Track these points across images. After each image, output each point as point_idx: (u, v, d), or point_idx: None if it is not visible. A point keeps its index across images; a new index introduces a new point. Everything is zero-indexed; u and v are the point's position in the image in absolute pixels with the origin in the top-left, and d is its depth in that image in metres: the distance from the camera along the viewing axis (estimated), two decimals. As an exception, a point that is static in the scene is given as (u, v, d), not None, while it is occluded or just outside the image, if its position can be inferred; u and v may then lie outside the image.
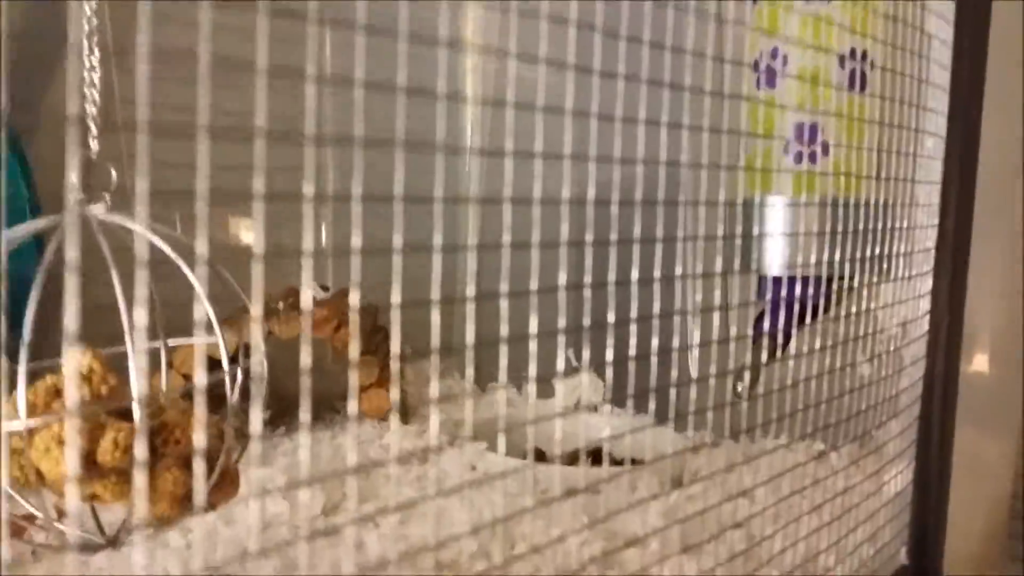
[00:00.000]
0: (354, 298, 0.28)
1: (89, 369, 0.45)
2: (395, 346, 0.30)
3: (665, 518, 0.54)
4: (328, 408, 1.13)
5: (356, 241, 0.27)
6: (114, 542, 0.48)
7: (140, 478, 0.21)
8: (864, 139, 0.62)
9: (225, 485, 0.47)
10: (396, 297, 0.30)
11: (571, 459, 0.81)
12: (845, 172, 0.61)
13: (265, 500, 0.82)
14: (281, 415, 0.99)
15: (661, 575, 0.50)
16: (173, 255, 0.44)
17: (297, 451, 0.97)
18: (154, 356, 0.60)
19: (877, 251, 0.64)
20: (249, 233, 1.29)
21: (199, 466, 0.25)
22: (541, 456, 0.88)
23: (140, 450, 0.23)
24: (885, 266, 0.65)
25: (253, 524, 0.64)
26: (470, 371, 0.34)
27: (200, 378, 0.25)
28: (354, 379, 0.28)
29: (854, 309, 0.63)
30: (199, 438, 0.24)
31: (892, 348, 0.68)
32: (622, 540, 0.52)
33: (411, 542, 0.68)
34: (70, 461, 0.23)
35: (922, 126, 0.67)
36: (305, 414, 0.27)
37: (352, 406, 0.28)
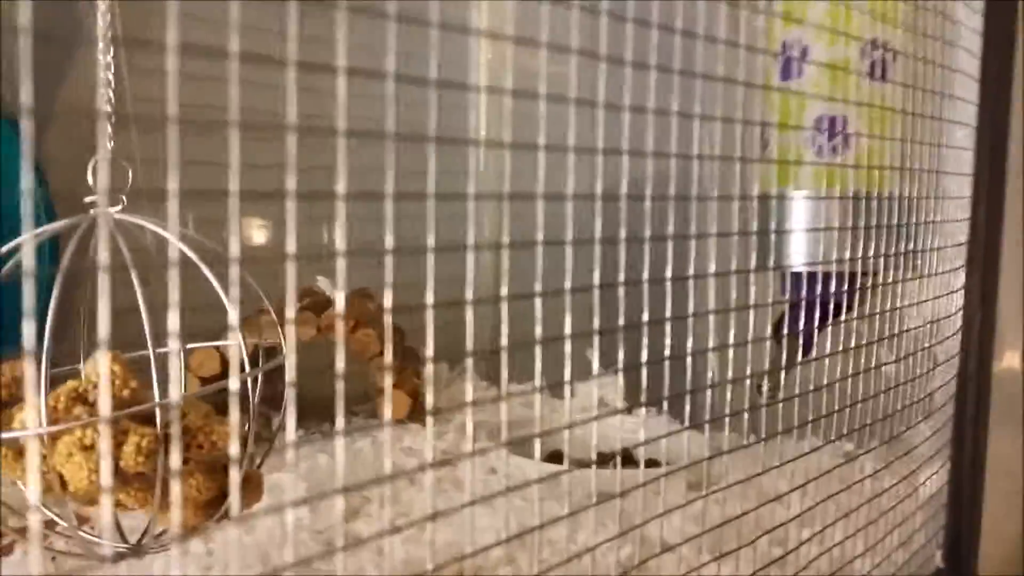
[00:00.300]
0: (387, 300, 0.28)
1: (111, 373, 0.45)
2: (429, 349, 0.30)
3: (692, 522, 0.53)
4: (345, 411, 1.13)
5: (389, 240, 0.27)
6: (138, 550, 0.48)
7: (175, 488, 0.21)
8: (890, 130, 0.61)
9: (248, 491, 0.47)
10: (429, 297, 0.29)
11: (593, 462, 0.81)
12: (871, 165, 0.61)
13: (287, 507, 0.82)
14: (300, 418, 0.99)
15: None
16: (193, 256, 0.44)
17: (317, 455, 0.97)
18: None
19: (905, 246, 0.63)
20: (260, 233, 1.29)
21: (233, 473, 0.24)
22: (559, 458, 0.88)
23: (175, 458, 0.22)
24: (916, 262, 0.65)
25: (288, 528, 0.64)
26: (505, 373, 0.34)
27: (232, 383, 0.24)
28: (388, 383, 0.27)
29: (883, 306, 0.62)
30: (233, 446, 0.24)
31: (924, 346, 0.67)
32: (648, 545, 0.52)
33: (435, 547, 0.68)
34: (103, 470, 0.22)
35: (951, 116, 0.67)
36: (340, 420, 0.27)
37: (387, 411, 0.28)
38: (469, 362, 0.33)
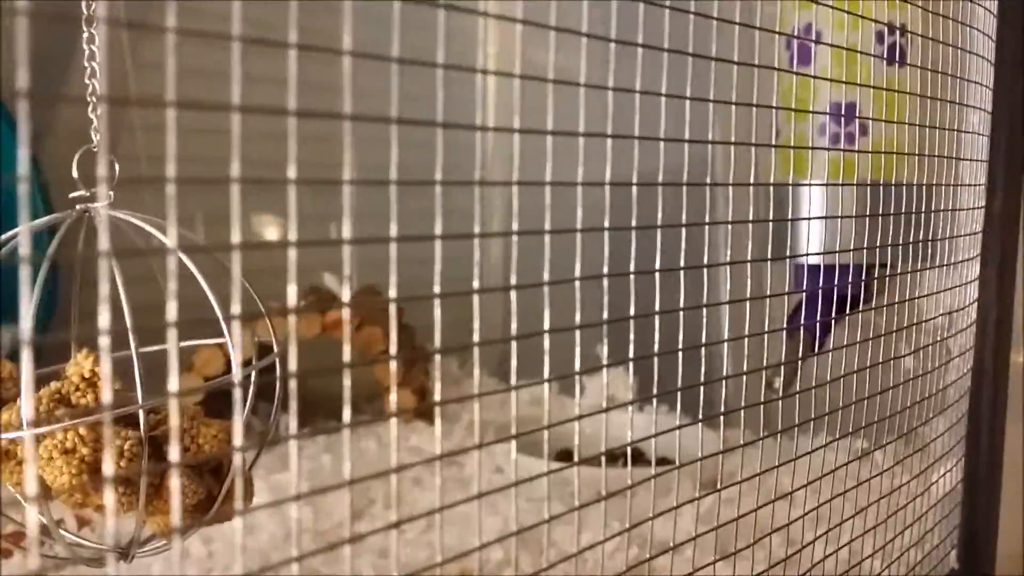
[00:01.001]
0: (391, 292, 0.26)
1: (92, 373, 0.44)
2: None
3: (700, 522, 0.52)
4: (352, 409, 1.12)
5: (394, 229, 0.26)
6: (126, 554, 0.47)
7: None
8: (905, 116, 0.60)
9: (250, 491, 0.45)
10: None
11: (594, 460, 0.79)
12: (886, 151, 0.59)
13: (286, 508, 0.81)
14: (305, 417, 0.98)
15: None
16: (183, 257, 0.43)
17: (320, 455, 0.96)
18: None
19: (921, 236, 0.61)
20: (271, 230, 1.28)
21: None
22: (568, 456, 0.86)
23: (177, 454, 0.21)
24: (929, 252, 0.63)
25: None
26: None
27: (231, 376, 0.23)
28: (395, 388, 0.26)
29: (896, 298, 0.61)
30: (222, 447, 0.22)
31: (938, 339, 0.66)
32: (654, 545, 0.50)
33: (436, 549, 0.67)
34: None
35: (966, 100, 0.65)
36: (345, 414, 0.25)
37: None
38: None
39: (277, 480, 0.87)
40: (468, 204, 0.37)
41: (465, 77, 0.34)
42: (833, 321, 0.66)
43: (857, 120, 0.71)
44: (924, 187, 0.61)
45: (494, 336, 0.37)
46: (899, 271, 0.61)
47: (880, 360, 0.58)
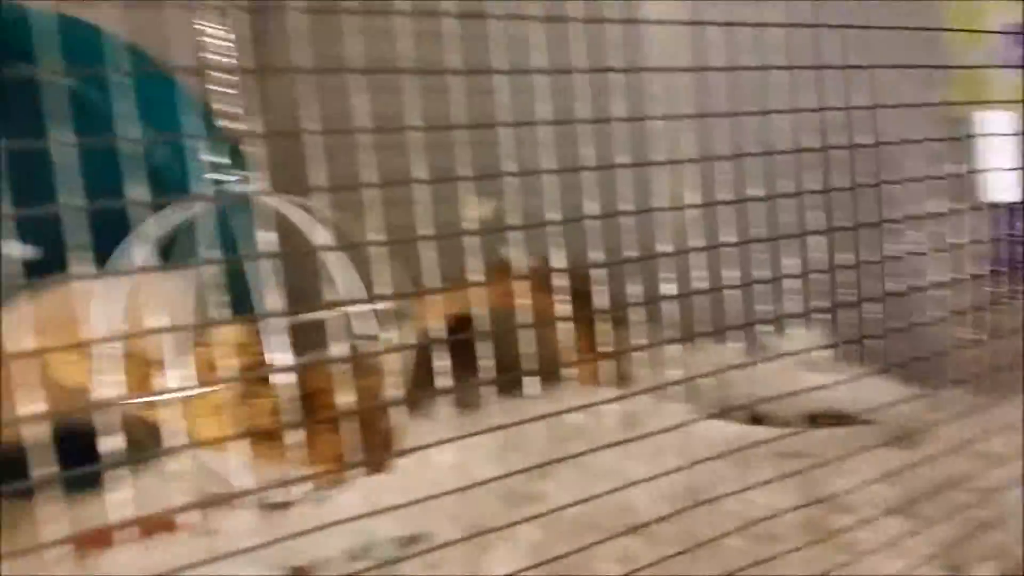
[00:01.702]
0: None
1: (237, 340, 0.42)
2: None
3: (890, 483, 0.44)
4: (550, 374, 1.08)
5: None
6: (287, 502, 0.45)
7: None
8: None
9: (377, 446, 0.43)
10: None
11: (790, 422, 0.71)
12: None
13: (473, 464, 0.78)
14: (511, 382, 0.95)
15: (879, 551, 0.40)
16: (325, 240, 0.39)
17: (514, 417, 0.91)
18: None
19: None
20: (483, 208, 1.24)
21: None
22: (757, 421, 0.78)
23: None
24: None
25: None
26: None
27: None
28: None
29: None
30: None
31: None
32: (836, 507, 0.43)
33: (598, 505, 0.62)
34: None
35: None
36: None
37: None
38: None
39: (468, 440, 0.84)
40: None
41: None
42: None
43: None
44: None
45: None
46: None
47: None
